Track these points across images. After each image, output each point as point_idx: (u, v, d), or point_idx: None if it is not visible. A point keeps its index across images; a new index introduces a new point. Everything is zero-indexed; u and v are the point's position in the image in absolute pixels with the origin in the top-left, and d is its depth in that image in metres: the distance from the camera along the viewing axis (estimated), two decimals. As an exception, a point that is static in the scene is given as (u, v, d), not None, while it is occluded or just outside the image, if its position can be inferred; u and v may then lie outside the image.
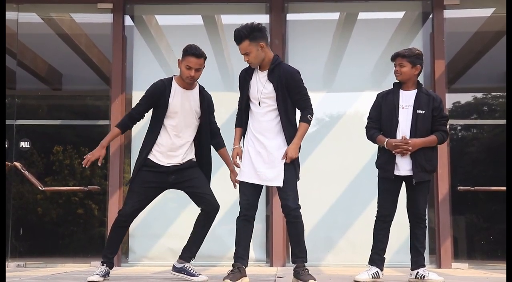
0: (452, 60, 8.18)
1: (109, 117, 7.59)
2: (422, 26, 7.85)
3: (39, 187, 7.40)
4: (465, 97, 9.22)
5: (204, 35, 7.88)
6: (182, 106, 4.95)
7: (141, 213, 7.60)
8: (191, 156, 5.06)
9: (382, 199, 5.02)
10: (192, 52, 4.84)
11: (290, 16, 7.85)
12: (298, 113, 4.83)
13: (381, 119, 5.06)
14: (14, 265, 7.39)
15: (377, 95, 5.19)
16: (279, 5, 7.66)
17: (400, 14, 8.02)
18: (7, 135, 7.95)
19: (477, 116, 9.54)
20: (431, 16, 7.67)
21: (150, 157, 4.96)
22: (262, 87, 4.70)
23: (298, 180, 4.78)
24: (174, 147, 4.95)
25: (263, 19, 7.79)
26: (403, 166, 4.94)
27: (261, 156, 4.67)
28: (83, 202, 8.93)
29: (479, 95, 9.33)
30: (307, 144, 7.77)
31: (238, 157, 4.82)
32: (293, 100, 4.71)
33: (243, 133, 4.88)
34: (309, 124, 4.73)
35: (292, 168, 4.69)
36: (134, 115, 5.05)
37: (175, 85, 4.98)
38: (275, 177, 4.65)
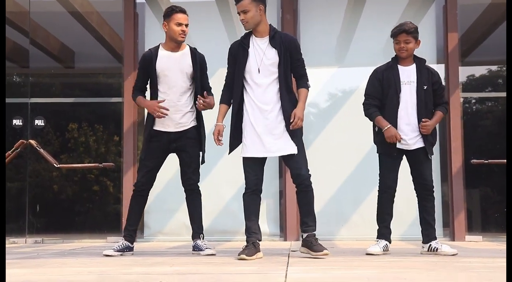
0: (465, 33, 8.10)
1: (122, 94, 7.64)
2: (435, -1, 7.78)
3: (54, 164, 7.48)
4: (479, 70, 9.13)
5: (215, 11, 7.85)
6: (171, 69, 5.02)
7: (156, 189, 7.62)
8: (192, 122, 5.10)
9: (388, 172, 4.97)
10: (179, 9, 5.03)
11: (301, -9, 7.80)
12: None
13: (381, 96, 4.96)
14: (32, 241, 7.51)
15: (374, 70, 5.06)
16: (291, -21, 7.61)
17: (412, -13, 7.94)
18: (22, 114, 8.01)
19: (492, 89, 9.45)
20: (444, -12, 7.59)
21: (156, 127, 5.05)
22: (262, 54, 4.67)
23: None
24: (171, 111, 4.99)
25: (274, -6, 7.76)
26: (409, 140, 4.92)
27: (268, 127, 4.63)
28: (98, 179, 8.99)
29: (494, 68, 9.24)
30: (319, 119, 7.84)
31: (219, 134, 4.72)
32: (292, 67, 4.70)
33: (227, 110, 4.83)
34: (308, 91, 4.75)
35: (299, 136, 4.69)
36: (140, 89, 5.20)
37: (161, 50, 5.08)
38: (286, 146, 4.62)
